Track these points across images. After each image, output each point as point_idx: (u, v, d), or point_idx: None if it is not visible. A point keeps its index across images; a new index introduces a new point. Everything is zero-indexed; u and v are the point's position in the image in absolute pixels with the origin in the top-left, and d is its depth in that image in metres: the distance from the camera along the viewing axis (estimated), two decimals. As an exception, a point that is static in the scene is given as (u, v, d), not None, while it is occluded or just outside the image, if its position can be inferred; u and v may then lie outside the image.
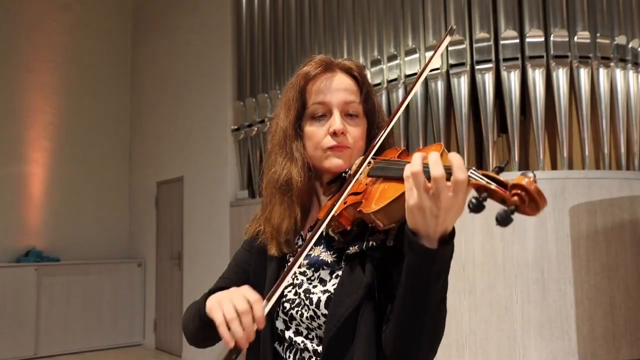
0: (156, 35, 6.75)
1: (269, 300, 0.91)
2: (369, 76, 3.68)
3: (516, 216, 0.72)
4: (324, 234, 1.05)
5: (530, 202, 0.71)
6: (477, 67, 3.17)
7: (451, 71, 3.25)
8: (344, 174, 1.06)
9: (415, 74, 3.41)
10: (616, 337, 2.80)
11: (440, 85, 3.29)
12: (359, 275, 0.98)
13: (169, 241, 6.22)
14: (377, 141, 0.99)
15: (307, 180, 1.07)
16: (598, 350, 2.76)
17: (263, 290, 1.08)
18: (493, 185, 0.75)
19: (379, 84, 3.63)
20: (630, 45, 3.23)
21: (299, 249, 0.98)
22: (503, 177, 0.76)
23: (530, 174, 0.73)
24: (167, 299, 6.20)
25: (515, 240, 2.82)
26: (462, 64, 3.21)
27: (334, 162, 1.06)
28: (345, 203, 0.96)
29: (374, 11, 3.75)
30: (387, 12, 3.65)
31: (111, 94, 7.17)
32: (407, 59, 3.47)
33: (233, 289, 0.92)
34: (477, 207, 0.74)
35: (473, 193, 0.78)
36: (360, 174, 0.97)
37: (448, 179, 0.78)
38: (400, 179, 0.84)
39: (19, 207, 6.40)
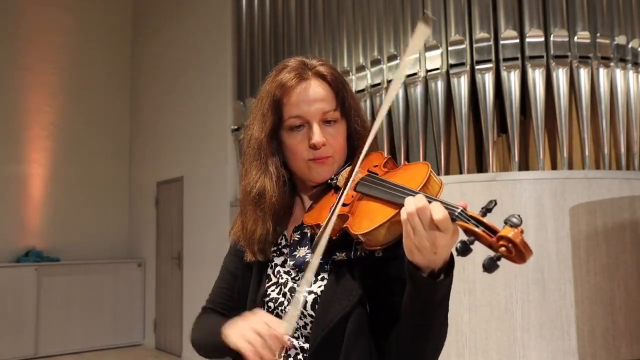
0: (156, 35, 6.75)
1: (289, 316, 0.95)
2: (369, 76, 3.70)
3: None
4: (308, 234, 1.08)
5: (516, 253, 0.76)
6: (477, 67, 3.17)
7: (451, 71, 3.25)
8: (329, 181, 1.07)
9: (416, 74, 3.41)
10: (616, 337, 2.80)
11: (440, 85, 3.29)
12: (349, 283, 0.99)
13: (169, 241, 6.22)
14: (362, 151, 0.98)
15: (281, 195, 1.07)
16: (598, 350, 2.76)
17: (248, 294, 1.11)
18: (480, 229, 0.78)
19: (378, 84, 3.63)
20: (630, 45, 3.23)
21: (305, 256, 1.03)
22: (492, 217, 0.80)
23: (516, 219, 0.77)
24: (167, 299, 6.19)
25: (515, 240, 2.82)
26: (462, 64, 3.21)
27: (318, 173, 1.06)
28: (330, 211, 0.96)
29: (374, 11, 3.75)
30: (387, 12, 3.65)
31: (111, 93, 7.17)
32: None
33: (250, 317, 0.96)
34: (463, 251, 0.78)
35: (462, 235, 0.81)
36: (348, 188, 0.97)
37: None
38: (388, 203, 0.89)
39: (19, 207, 6.40)
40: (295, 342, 1.03)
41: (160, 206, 6.50)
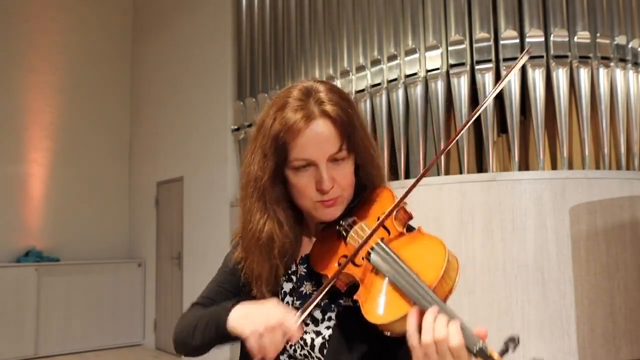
0: (156, 35, 6.75)
1: (302, 313, 0.91)
2: (369, 76, 3.69)
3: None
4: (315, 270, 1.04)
5: None
6: (477, 67, 3.17)
7: (451, 71, 3.25)
8: (337, 227, 1.03)
9: (416, 74, 3.41)
10: (616, 337, 2.80)
11: (440, 85, 3.29)
12: (355, 332, 0.96)
13: (169, 241, 6.22)
14: (384, 218, 0.94)
15: (291, 239, 1.03)
16: (598, 350, 2.76)
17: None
18: None
19: (379, 84, 3.63)
20: (630, 45, 3.23)
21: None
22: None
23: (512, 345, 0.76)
24: (167, 299, 6.20)
25: (515, 240, 2.82)
26: (462, 64, 3.21)
27: (326, 215, 1.02)
28: (338, 265, 0.94)
29: (374, 11, 3.75)
30: (387, 12, 3.65)
31: (111, 93, 7.17)
32: (407, 59, 3.47)
33: (260, 304, 0.93)
34: None
35: None
36: (359, 252, 0.93)
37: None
38: (403, 294, 0.84)
39: (19, 207, 6.40)
40: None
41: (160, 206, 6.50)
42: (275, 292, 1.06)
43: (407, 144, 3.46)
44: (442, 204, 3.01)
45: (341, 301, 0.99)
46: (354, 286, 0.94)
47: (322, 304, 1.01)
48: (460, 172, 3.17)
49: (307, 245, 1.09)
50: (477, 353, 0.78)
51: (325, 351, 0.97)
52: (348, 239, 1.00)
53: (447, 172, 3.26)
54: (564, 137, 3.03)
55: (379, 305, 0.87)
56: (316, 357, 0.99)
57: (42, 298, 5.94)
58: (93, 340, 6.24)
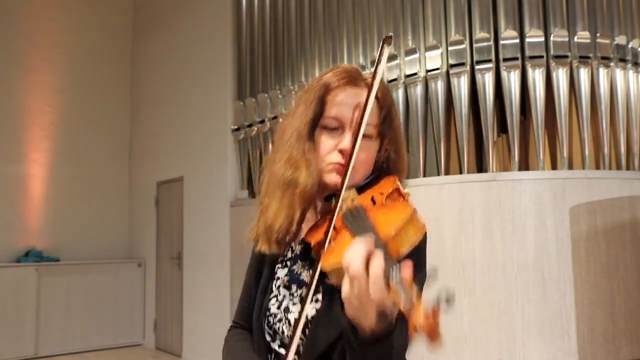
0: (156, 35, 6.75)
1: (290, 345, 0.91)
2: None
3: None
4: (312, 251, 1.03)
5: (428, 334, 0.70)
6: (477, 67, 3.17)
7: (451, 71, 3.25)
8: (333, 198, 1.03)
9: (416, 74, 3.41)
10: (616, 337, 2.80)
11: (440, 85, 3.29)
12: (337, 311, 0.94)
13: (169, 241, 6.22)
14: (347, 172, 0.95)
15: (314, 187, 1.04)
16: (598, 350, 2.76)
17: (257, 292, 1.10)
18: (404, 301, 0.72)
19: (379, 84, 3.63)
20: (630, 45, 3.23)
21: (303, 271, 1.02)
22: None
23: (446, 298, 0.71)
24: (167, 299, 6.20)
25: (515, 240, 2.82)
26: (462, 64, 3.21)
27: (333, 179, 1.03)
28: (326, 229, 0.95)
29: (374, 11, 3.75)
30: (387, 12, 3.65)
31: (111, 93, 7.17)
32: (407, 59, 3.47)
33: None
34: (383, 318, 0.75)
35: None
36: (336, 216, 0.94)
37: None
38: None
39: (19, 207, 6.40)
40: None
41: (160, 206, 6.50)
42: (280, 251, 1.07)
43: (407, 143, 3.46)
44: (442, 204, 3.01)
45: (327, 280, 0.97)
46: None
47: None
48: (460, 172, 3.17)
49: (305, 231, 1.10)
50: (397, 282, 0.73)
51: (307, 331, 0.98)
52: (338, 206, 1.00)
53: (447, 172, 3.26)
54: (564, 137, 3.03)
55: (335, 254, 0.88)
56: (299, 337, 0.99)
57: (42, 298, 5.94)
58: (93, 340, 6.24)
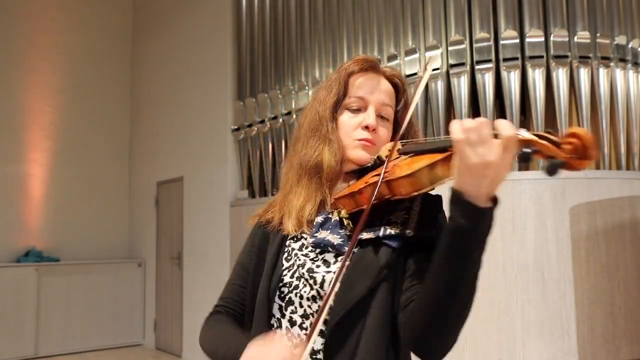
0: (156, 35, 6.75)
1: (307, 341, 0.90)
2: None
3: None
4: (332, 219, 1.07)
5: (582, 151, 0.75)
6: (477, 67, 3.17)
7: (451, 71, 3.25)
8: (370, 162, 1.08)
9: (416, 74, 3.41)
10: (616, 337, 2.80)
11: (440, 85, 3.29)
12: (373, 262, 0.98)
13: (169, 241, 6.22)
14: (402, 127, 1.04)
15: (339, 163, 1.09)
16: (598, 350, 2.76)
17: (263, 269, 1.10)
18: (543, 141, 0.78)
19: (379, 84, 3.63)
20: (630, 45, 3.23)
21: (348, 233, 1.03)
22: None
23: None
24: (167, 299, 6.20)
25: (515, 240, 2.82)
26: (462, 64, 3.21)
27: (360, 155, 1.09)
28: (366, 182, 0.99)
29: (374, 11, 3.75)
30: (387, 12, 3.65)
31: (111, 93, 7.17)
32: (407, 59, 3.47)
33: (268, 344, 0.91)
34: (525, 159, 0.78)
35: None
36: (392, 156, 1.00)
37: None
38: (434, 151, 0.89)
39: (19, 207, 6.40)
40: (302, 335, 1.01)
41: (160, 206, 6.50)
42: (310, 231, 1.08)
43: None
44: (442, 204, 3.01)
45: (361, 236, 0.99)
46: (377, 209, 0.97)
47: (337, 244, 1.03)
48: (460, 172, 3.17)
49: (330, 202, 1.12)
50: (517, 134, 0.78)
51: (338, 285, 0.96)
52: (380, 156, 1.06)
53: (447, 172, 3.26)
54: (564, 137, 3.03)
55: (407, 167, 0.91)
56: (320, 296, 0.99)
57: (42, 298, 5.94)
58: (93, 340, 6.24)
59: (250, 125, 4.91)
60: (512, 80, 3.09)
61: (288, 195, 1.12)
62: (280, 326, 1.05)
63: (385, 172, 0.94)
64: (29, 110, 6.57)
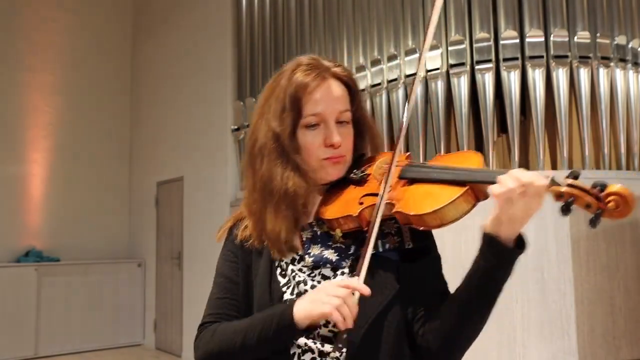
0: (156, 35, 6.75)
1: (359, 274, 0.95)
2: (369, 76, 3.70)
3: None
4: (318, 232, 1.07)
5: (623, 205, 0.81)
6: (477, 67, 3.17)
7: (451, 71, 3.25)
8: (352, 175, 1.08)
9: (415, 74, 3.40)
10: (616, 337, 2.80)
11: (440, 85, 3.29)
12: (382, 277, 1.00)
13: (169, 241, 6.22)
14: (398, 142, 1.02)
15: (307, 189, 1.06)
16: (598, 350, 2.76)
17: (252, 289, 1.08)
18: (575, 191, 0.84)
19: (379, 84, 3.63)
20: (630, 45, 3.23)
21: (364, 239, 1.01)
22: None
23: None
24: (167, 299, 6.19)
25: (515, 240, 2.82)
26: (462, 64, 3.21)
27: (331, 173, 1.07)
28: (361, 204, 1.00)
29: (374, 11, 3.75)
30: (387, 12, 3.65)
31: (111, 94, 7.16)
32: (407, 59, 3.47)
33: (321, 285, 0.98)
34: (566, 210, 0.84)
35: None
36: (392, 176, 0.99)
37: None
38: (450, 183, 0.93)
39: (19, 207, 6.40)
40: (312, 345, 1.00)
41: (160, 206, 6.50)
42: (294, 251, 1.07)
43: (408, 144, 3.46)
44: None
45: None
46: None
47: (334, 260, 1.04)
48: (460, 172, 3.17)
49: (305, 217, 1.10)
50: (553, 183, 0.85)
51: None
52: (370, 177, 1.06)
53: (447, 172, 3.25)
54: (564, 137, 3.03)
55: (429, 199, 0.93)
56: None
57: (42, 298, 5.94)
58: (93, 340, 6.24)
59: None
60: (512, 80, 3.09)
61: (260, 218, 1.08)
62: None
63: (387, 194, 0.96)
64: (29, 110, 6.56)
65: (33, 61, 6.60)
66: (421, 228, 0.95)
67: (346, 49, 3.97)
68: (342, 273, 1.03)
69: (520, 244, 0.92)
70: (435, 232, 1.07)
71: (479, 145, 3.27)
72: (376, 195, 0.98)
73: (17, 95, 6.48)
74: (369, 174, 1.06)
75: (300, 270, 1.06)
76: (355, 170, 1.09)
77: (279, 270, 1.07)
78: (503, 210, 0.88)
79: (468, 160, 0.98)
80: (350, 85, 1.11)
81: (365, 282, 0.97)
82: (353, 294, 0.93)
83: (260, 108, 1.13)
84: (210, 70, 5.57)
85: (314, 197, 1.10)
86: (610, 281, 2.82)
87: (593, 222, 0.82)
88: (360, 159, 1.13)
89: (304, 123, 1.06)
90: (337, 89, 1.08)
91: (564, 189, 0.84)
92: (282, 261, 1.08)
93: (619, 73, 3.16)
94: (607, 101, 3.10)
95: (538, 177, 0.86)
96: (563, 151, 3.03)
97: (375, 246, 1.00)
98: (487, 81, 3.13)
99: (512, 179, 0.86)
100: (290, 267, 1.07)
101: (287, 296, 1.04)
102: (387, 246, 1.01)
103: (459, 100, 3.20)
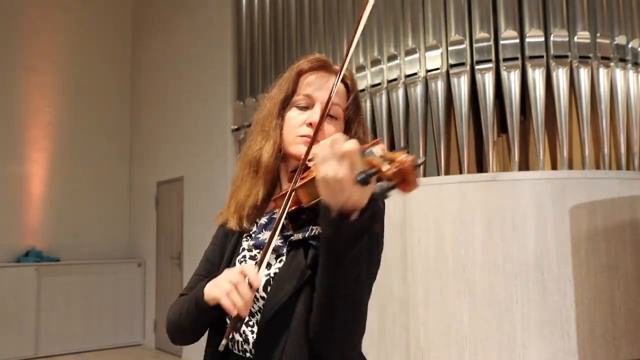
0: (156, 35, 6.75)
1: (260, 264, 0.98)
2: (369, 76, 3.70)
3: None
4: (275, 219, 1.10)
5: (402, 177, 0.77)
6: (477, 67, 3.17)
7: (451, 71, 3.25)
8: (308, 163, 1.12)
9: (416, 74, 3.41)
10: (616, 337, 2.80)
11: (440, 85, 3.29)
12: (300, 262, 1.02)
13: (169, 241, 6.22)
14: (319, 125, 1.05)
15: (274, 159, 1.11)
16: (598, 350, 2.76)
17: (222, 262, 1.15)
18: (378, 164, 0.80)
19: (379, 84, 3.63)
20: (630, 45, 3.23)
21: (273, 217, 1.08)
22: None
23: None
24: (167, 299, 6.19)
25: (515, 240, 2.82)
26: (462, 64, 3.21)
27: (300, 150, 1.09)
28: (297, 182, 1.02)
29: (374, 11, 3.74)
30: (387, 12, 3.65)
31: (111, 93, 7.17)
32: (407, 59, 3.47)
33: (226, 271, 1.00)
34: (364, 181, 0.80)
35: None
36: (301, 166, 1.02)
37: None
38: None
39: (19, 207, 6.40)
40: (249, 334, 1.05)
41: (160, 206, 6.50)
42: (250, 227, 1.13)
43: (408, 143, 3.46)
44: (442, 204, 3.01)
45: (292, 238, 1.05)
46: (301, 212, 1.03)
47: (276, 245, 1.06)
48: (460, 172, 3.17)
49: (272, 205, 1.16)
50: (366, 154, 0.83)
51: (269, 287, 1.03)
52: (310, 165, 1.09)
53: (447, 172, 3.26)
54: (564, 137, 3.03)
55: (309, 175, 0.96)
56: (260, 297, 1.04)
57: (42, 298, 5.94)
58: (93, 340, 6.24)
59: (250, 125, 4.90)
60: (512, 80, 3.09)
61: (236, 190, 1.17)
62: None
63: (302, 177, 0.99)
64: (29, 110, 6.56)
65: (33, 61, 6.60)
66: (303, 204, 0.98)
67: (346, 49, 3.96)
68: (281, 260, 1.06)
69: (364, 216, 0.89)
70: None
71: (479, 145, 3.27)
72: (304, 179, 1.00)
73: (17, 95, 6.48)
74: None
75: (251, 257, 1.12)
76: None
77: (239, 256, 1.14)
78: (317, 170, 0.87)
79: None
80: (349, 87, 1.15)
81: (287, 265, 1.02)
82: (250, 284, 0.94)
83: (273, 88, 1.21)
84: (211, 70, 5.57)
85: (282, 182, 1.16)
86: (610, 281, 2.82)
87: (376, 194, 0.79)
88: None
89: (294, 102, 1.13)
90: (334, 82, 1.11)
91: (370, 157, 0.81)
92: (242, 245, 1.14)
93: (619, 73, 3.16)
94: (607, 101, 3.10)
95: (338, 140, 0.85)
96: (563, 151, 3.03)
97: (304, 232, 1.03)
98: (487, 81, 3.13)
99: (327, 139, 0.87)
100: (245, 251, 1.13)
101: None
102: (314, 232, 1.02)
103: (459, 100, 3.20)
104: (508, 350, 2.78)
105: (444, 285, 2.93)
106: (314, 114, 1.09)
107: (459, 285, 2.89)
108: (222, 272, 1.08)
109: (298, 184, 1.00)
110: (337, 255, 0.90)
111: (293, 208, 1.02)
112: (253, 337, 1.04)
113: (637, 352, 2.83)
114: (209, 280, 1.05)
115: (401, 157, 0.77)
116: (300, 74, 1.14)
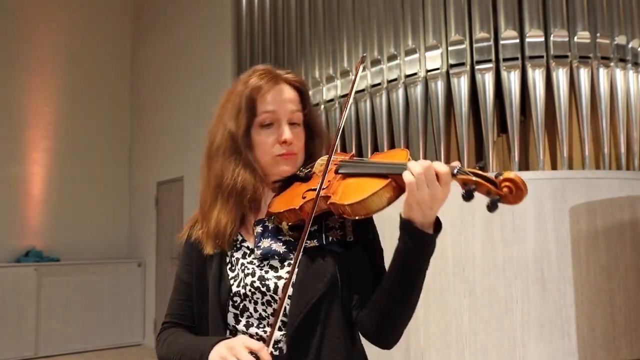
0: (156, 35, 6.75)
1: (269, 342, 1.00)
2: (369, 76, 3.70)
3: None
4: (270, 227, 1.14)
5: (516, 191, 0.89)
6: (477, 67, 3.17)
7: (451, 71, 3.25)
8: (299, 172, 1.16)
9: (416, 74, 3.41)
10: (616, 337, 2.80)
11: (440, 85, 3.29)
12: (322, 266, 1.07)
13: (169, 241, 6.22)
14: (335, 140, 1.11)
15: (259, 183, 1.15)
16: (598, 350, 2.76)
17: (207, 286, 1.15)
18: (478, 179, 0.93)
19: (379, 84, 3.63)
20: (630, 45, 3.23)
21: (296, 242, 1.10)
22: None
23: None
24: (167, 299, 6.16)
25: (515, 240, 2.82)
26: (462, 64, 3.21)
27: (283, 169, 1.16)
28: (304, 198, 1.07)
29: (374, 11, 3.75)
30: (387, 12, 3.65)
31: (111, 94, 7.17)
32: (407, 59, 3.47)
33: (232, 342, 1.00)
34: (468, 196, 0.91)
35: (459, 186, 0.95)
36: (328, 171, 1.07)
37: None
38: (376, 176, 1.00)
39: (19, 207, 6.40)
40: (262, 334, 1.09)
41: (160, 206, 6.50)
42: (228, 248, 1.15)
43: (407, 144, 3.46)
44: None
45: (306, 244, 1.07)
46: (318, 218, 1.08)
47: (282, 252, 1.11)
48: (460, 172, 3.16)
49: (264, 211, 1.18)
50: (459, 171, 0.95)
51: (292, 291, 1.07)
52: (313, 171, 1.15)
53: (447, 172, 3.25)
54: (564, 137, 3.03)
55: (356, 191, 1.00)
56: (279, 298, 1.07)
57: (42, 298, 5.94)
58: (93, 340, 6.24)
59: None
60: (512, 80, 3.09)
61: (207, 215, 1.19)
62: (235, 333, 1.12)
63: (322, 190, 1.04)
64: (29, 110, 6.57)
65: (33, 61, 6.60)
66: (355, 218, 1.01)
67: (346, 49, 3.97)
68: (289, 264, 1.09)
69: (437, 228, 1.00)
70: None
71: (479, 145, 3.27)
72: (323, 188, 1.05)
73: (17, 95, 6.48)
74: (313, 172, 1.15)
75: (250, 262, 1.14)
76: (302, 168, 1.17)
77: (228, 265, 1.15)
78: (410, 194, 0.94)
79: (396, 156, 1.05)
80: (301, 90, 1.20)
81: (304, 271, 1.06)
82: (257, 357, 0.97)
83: (218, 111, 1.23)
84: (211, 70, 5.57)
85: (267, 194, 1.18)
86: (610, 281, 2.82)
87: (490, 207, 0.88)
88: (310, 159, 1.21)
89: (259, 121, 1.15)
90: (288, 92, 1.17)
91: (465, 176, 0.92)
92: (233, 257, 1.16)
93: (619, 73, 3.16)
94: (607, 101, 3.10)
95: (441, 165, 0.95)
96: (563, 151, 3.03)
97: (320, 239, 1.08)
98: (487, 81, 3.13)
99: (418, 166, 0.94)
100: (241, 261, 1.15)
101: (235, 288, 1.11)
102: (330, 239, 1.09)
103: (459, 100, 3.20)
104: (508, 350, 2.78)
105: (444, 285, 2.93)
106: (284, 132, 1.13)
107: (459, 286, 2.89)
108: (211, 291, 1.11)
109: (310, 198, 1.06)
110: (418, 267, 1.00)
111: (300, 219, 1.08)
112: (276, 342, 1.07)
113: (637, 352, 2.83)
114: (217, 341, 1.04)
115: (511, 175, 0.89)
116: (257, 92, 1.15)
